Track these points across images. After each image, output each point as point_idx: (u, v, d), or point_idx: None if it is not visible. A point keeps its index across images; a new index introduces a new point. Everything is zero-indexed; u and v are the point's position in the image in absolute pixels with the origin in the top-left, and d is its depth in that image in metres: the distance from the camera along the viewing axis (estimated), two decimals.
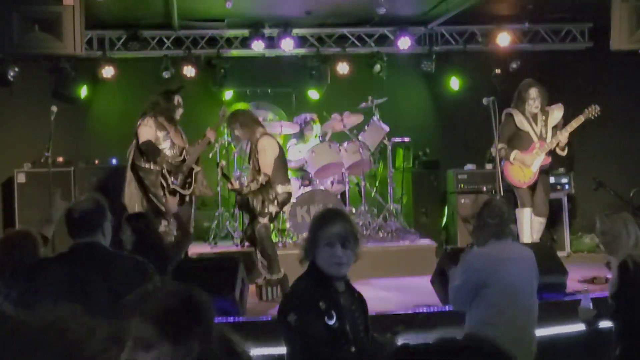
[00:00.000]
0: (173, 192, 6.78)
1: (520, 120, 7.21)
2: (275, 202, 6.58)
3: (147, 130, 6.72)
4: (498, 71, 9.60)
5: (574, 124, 7.11)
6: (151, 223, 5.06)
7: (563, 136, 7.10)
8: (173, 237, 6.56)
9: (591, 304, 4.21)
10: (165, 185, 6.72)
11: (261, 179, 6.46)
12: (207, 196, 7.77)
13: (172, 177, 6.74)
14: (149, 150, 6.69)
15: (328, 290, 2.89)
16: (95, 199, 3.58)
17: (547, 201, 7.40)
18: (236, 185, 6.68)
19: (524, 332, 4.04)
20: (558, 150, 7.21)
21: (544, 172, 7.33)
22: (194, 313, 1.96)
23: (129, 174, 6.79)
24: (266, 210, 6.55)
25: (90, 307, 1.93)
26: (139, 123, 6.77)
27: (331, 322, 2.79)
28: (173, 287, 2.07)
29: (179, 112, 6.97)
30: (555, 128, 7.22)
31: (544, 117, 7.23)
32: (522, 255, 4.18)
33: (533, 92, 7.17)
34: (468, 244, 4.56)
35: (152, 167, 6.73)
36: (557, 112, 7.27)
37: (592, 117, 7.09)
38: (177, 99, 6.97)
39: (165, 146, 6.77)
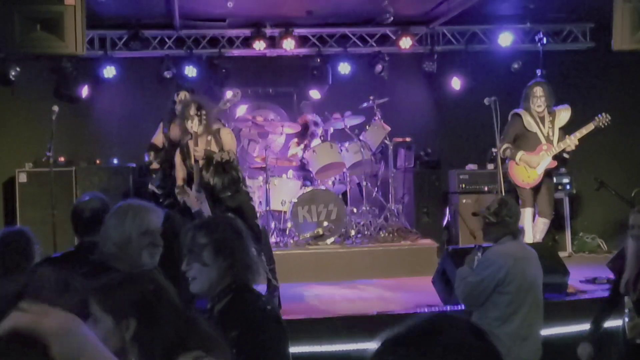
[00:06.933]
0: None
1: (528, 121, 7.16)
2: None
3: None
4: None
5: (584, 131, 7.03)
6: None
7: (571, 141, 7.05)
8: None
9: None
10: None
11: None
12: None
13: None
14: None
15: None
16: (101, 197, 3.57)
17: (552, 203, 7.34)
18: None
19: (532, 329, 4.19)
20: (563, 154, 7.19)
21: (548, 174, 7.29)
22: None
23: None
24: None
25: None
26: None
27: None
28: None
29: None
30: (562, 129, 7.20)
31: (551, 119, 7.19)
32: (533, 254, 4.34)
33: (538, 90, 7.15)
34: (475, 245, 4.58)
35: None
36: (564, 113, 7.24)
37: (602, 126, 7.04)
38: (183, 94, 6.86)
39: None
